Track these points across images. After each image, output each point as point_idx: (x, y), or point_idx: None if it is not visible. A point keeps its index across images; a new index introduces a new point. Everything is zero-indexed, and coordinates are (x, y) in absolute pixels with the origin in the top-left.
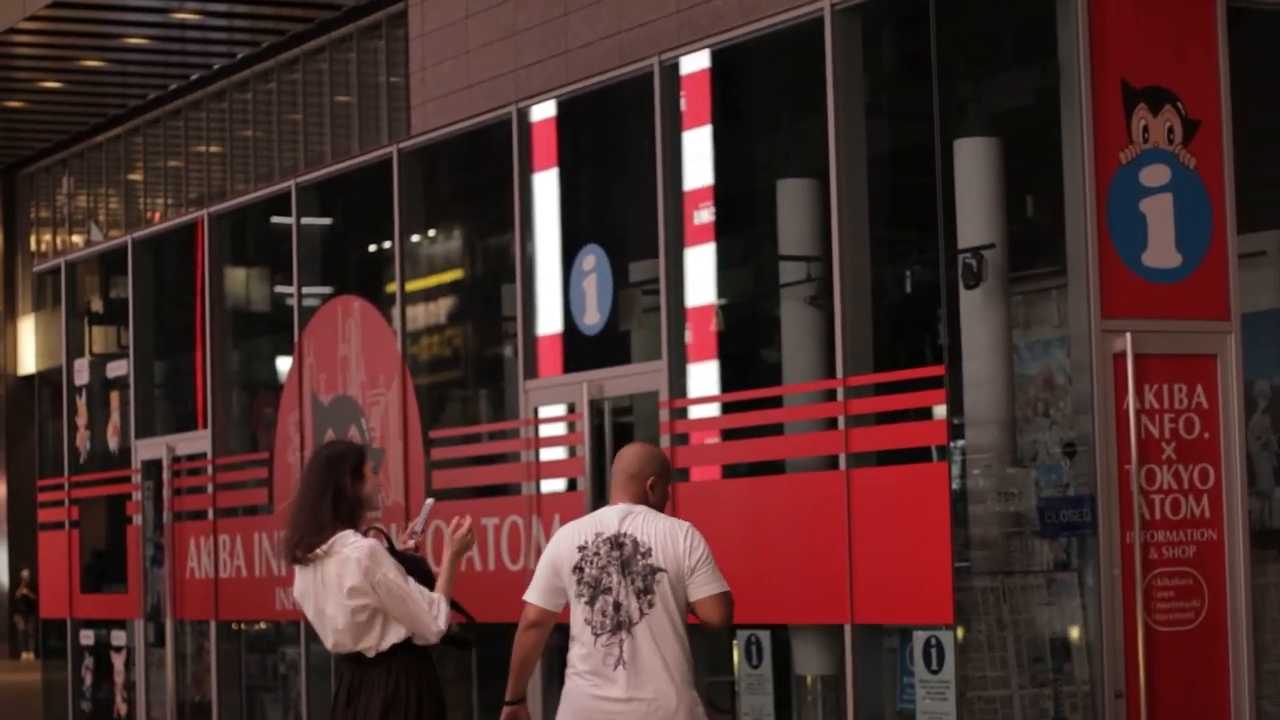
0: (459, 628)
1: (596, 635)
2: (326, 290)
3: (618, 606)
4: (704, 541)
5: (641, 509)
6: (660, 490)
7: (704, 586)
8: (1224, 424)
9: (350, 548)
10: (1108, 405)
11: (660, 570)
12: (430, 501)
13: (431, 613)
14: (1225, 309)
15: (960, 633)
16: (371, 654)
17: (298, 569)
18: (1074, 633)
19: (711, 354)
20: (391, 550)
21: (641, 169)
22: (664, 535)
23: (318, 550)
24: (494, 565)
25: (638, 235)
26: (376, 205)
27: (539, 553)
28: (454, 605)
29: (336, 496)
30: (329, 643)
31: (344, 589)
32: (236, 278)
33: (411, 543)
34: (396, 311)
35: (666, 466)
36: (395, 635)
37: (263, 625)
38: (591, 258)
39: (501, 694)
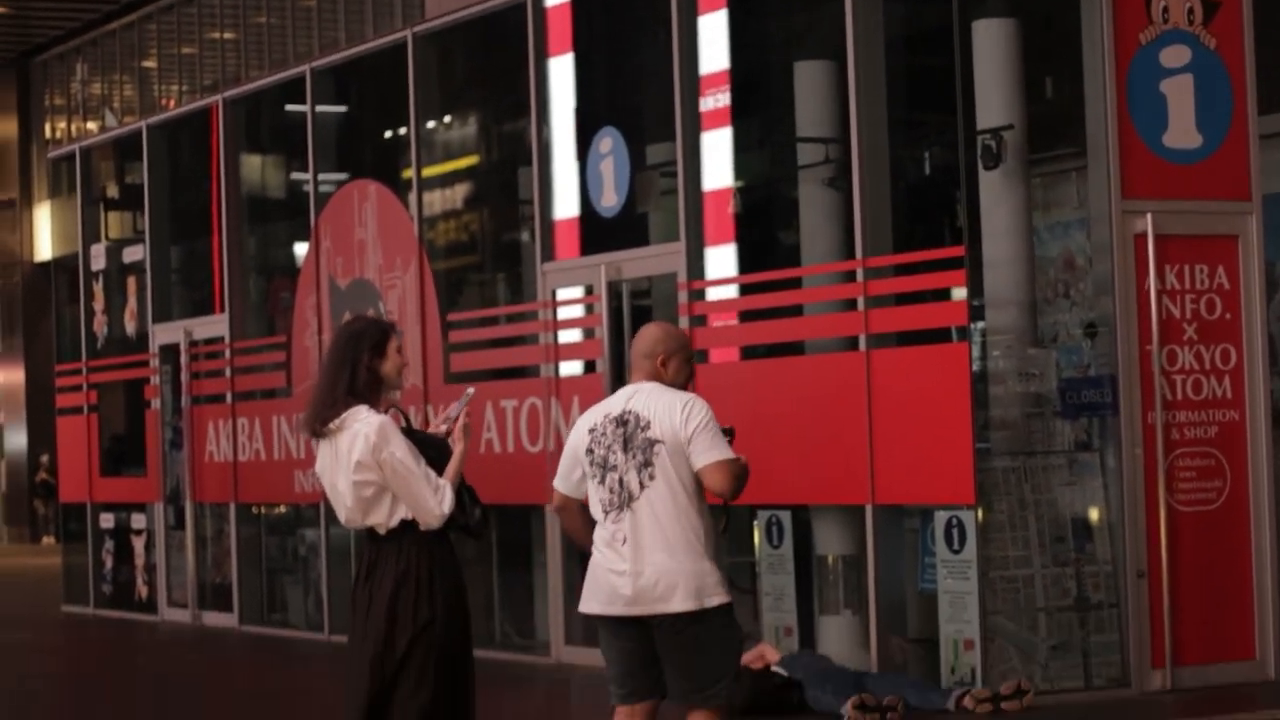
0: (480, 514)
1: (606, 513)
2: (342, 176)
3: (621, 483)
4: (705, 411)
5: (649, 386)
6: (674, 367)
7: (703, 455)
8: (1245, 305)
9: (361, 423)
10: (1128, 286)
11: (658, 442)
12: (470, 391)
13: (436, 497)
14: (1246, 189)
15: (981, 513)
16: (383, 530)
17: (319, 444)
18: (1095, 513)
19: (729, 236)
20: (408, 431)
21: (657, 52)
22: (664, 408)
23: (331, 424)
24: (513, 447)
25: (654, 118)
26: (391, 90)
27: (558, 435)
28: (469, 493)
29: (354, 372)
30: (341, 518)
31: (352, 464)
32: (252, 163)
33: (444, 428)
34: (413, 196)
35: (682, 344)
36: (405, 512)
37: (282, 509)
38: (608, 140)
39: (523, 575)
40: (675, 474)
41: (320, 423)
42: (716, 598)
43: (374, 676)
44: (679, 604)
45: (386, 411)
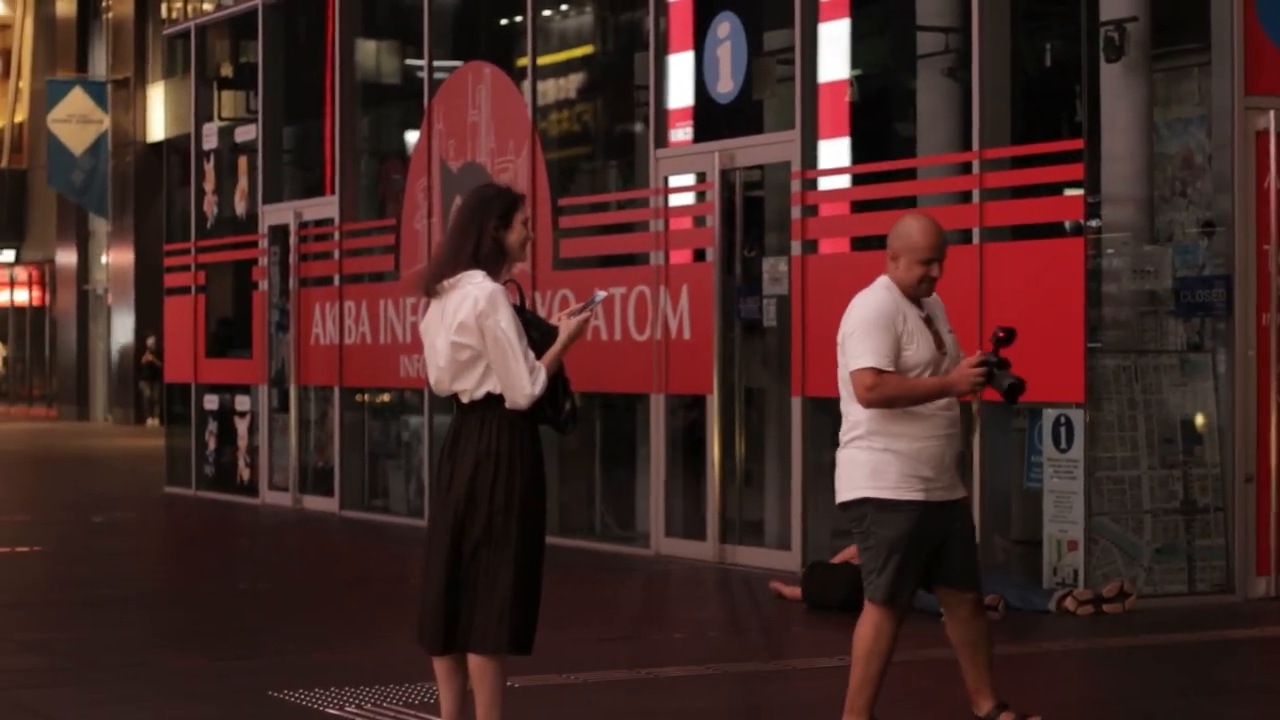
0: (570, 408)
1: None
2: (457, 64)
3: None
4: (855, 317)
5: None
6: (899, 266)
7: (844, 364)
8: None
9: (474, 285)
10: (1248, 184)
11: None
12: (601, 294)
13: (530, 377)
14: None
15: (1089, 412)
16: (466, 399)
17: (432, 303)
18: (1204, 415)
19: (844, 126)
20: (519, 309)
21: None
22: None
23: (445, 282)
24: (620, 336)
25: (773, 3)
26: None
27: (665, 324)
28: (563, 386)
29: (480, 237)
30: (431, 378)
31: (454, 323)
32: (366, 47)
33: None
34: (527, 80)
35: (910, 242)
36: (493, 385)
37: (386, 397)
38: (726, 25)
39: (625, 466)
40: (843, 369)
41: (435, 280)
42: None
43: (452, 553)
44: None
45: (506, 284)
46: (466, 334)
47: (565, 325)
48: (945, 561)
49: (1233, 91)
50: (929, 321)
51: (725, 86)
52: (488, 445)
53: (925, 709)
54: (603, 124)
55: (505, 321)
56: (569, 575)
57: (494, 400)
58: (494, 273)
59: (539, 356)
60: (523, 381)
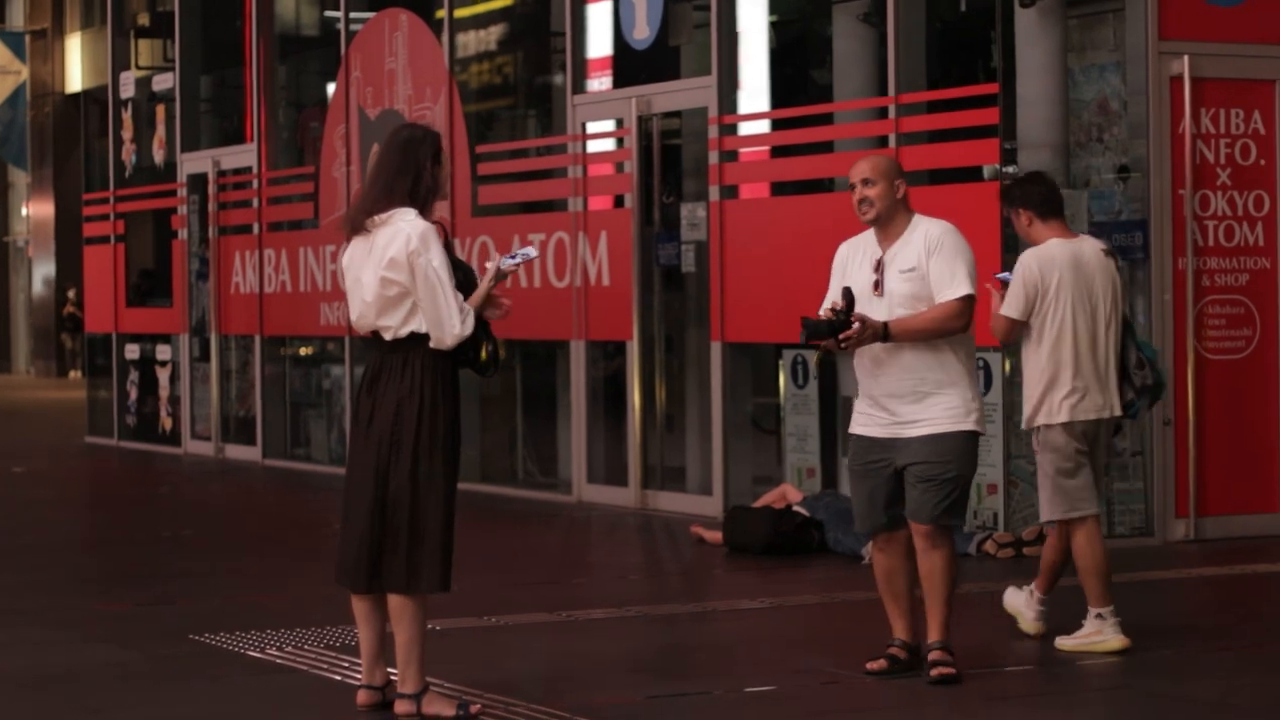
0: (492, 350)
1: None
2: (373, 14)
3: None
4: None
5: None
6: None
7: None
8: None
9: (406, 223)
10: (1163, 129)
11: None
12: (533, 252)
13: (460, 317)
14: None
15: (1007, 356)
16: (389, 335)
17: (355, 240)
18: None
19: (762, 71)
20: (448, 249)
21: None
22: None
23: (376, 218)
24: (539, 283)
25: None
26: None
27: (584, 270)
28: (484, 329)
29: (416, 177)
30: (354, 314)
31: (385, 259)
32: None
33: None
34: (445, 26)
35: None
36: (417, 325)
37: (308, 349)
38: None
39: (547, 413)
40: None
41: (365, 216)
42: None
43: (375, 492)
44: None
45: (435, 222)
46: (397, 270)
47: (491, 269)
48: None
49: (1147, 37)
50: (879, 266)
51: (642, 33)
52: (410, 384)
53: (834, 650)
54: (521, 72)
55: (437, 260)
56: (492, 522)
57: (417, 339)
58: (426, 211)
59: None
60: (452, 320)
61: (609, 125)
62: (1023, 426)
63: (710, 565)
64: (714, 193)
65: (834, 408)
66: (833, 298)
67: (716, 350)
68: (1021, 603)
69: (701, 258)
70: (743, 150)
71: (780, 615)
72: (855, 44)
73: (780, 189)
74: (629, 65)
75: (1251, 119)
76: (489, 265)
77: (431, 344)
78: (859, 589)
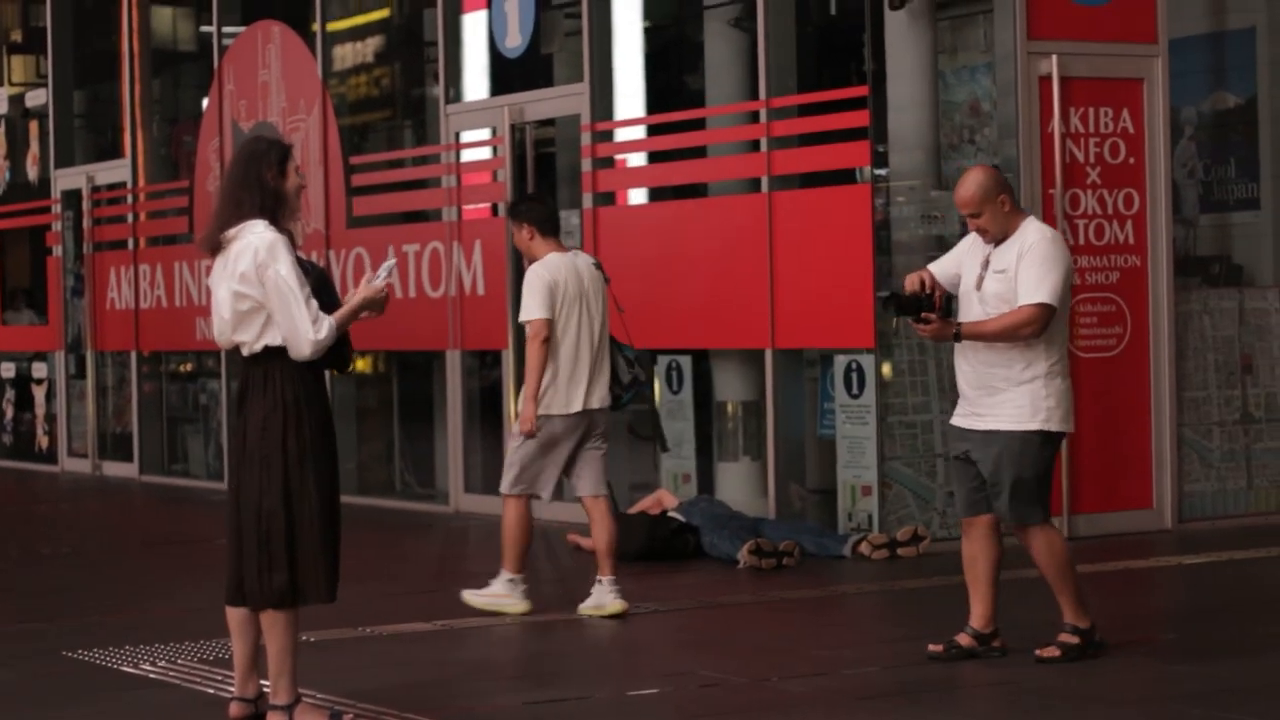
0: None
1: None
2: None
3: None
4: None
5: None
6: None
7: None
8: (1149, 149)
9: (255, 235)
10: (1032, 129)
11: None
12: (392, 263)
13: (314, 326)
14: (1153, 32)
15: (881, 358)
16: (247, 350)
17: (216, 258)
18: None
19: (635, 77)
20: (297, 257)
21: None
22: None
23: (229, 233)
24: (415, 293)
25: None
26: None
27: (459, 280)
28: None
29: (260, 189)
30: (215, 330)
31: (236, 273)
32: (160, 11)
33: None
34: (318, 37)
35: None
36: (273, 338)
37: (188, 365)
38: None
39: (423, 424)
40: None
41: (218, 232)
42: None
43: (249, 506)
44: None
45: (284, 232)
46: (247, 284)
47: (364, 288)
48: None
49: (1015, 38)
50: (986, 263)
51: (514, 41)
52: (274, 399)
53: (711, 653)
54: (397, 83)
55: (286, 269)
56: (369, 533)
57: (275, 352)
58: (275, 222)
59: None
60: (305, 328)
61: (483, 134)
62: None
63: (587, 572)
64: (588, 200)
65: (709, 413)
66: (943, 267)
67: None
68: (598, 594)
69: None
70: (616, 157)
71: (657, 620)
72: (727, 48)
73: (656, 195)
74: (502, 74)
75: (1120, 117)
76: (362, 283)
77: (291, 354)
78: (735, 592)
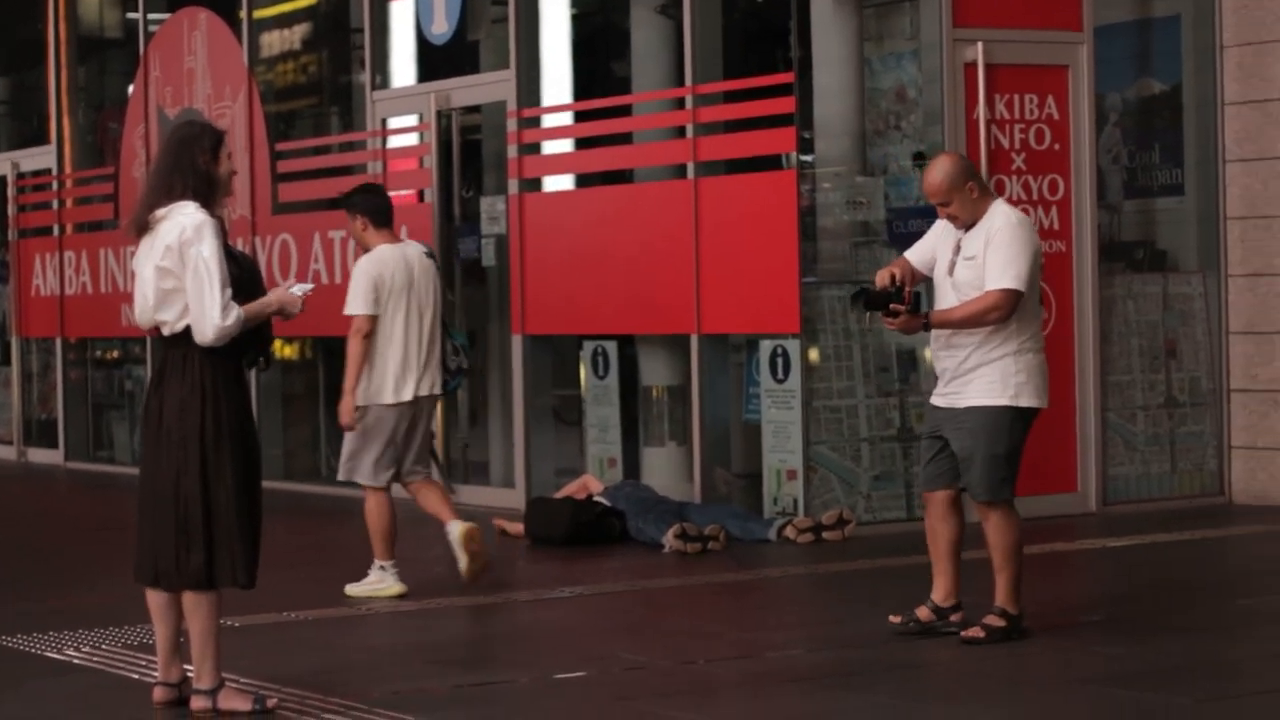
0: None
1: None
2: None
3: None
4: None
5: None
6: None
7: None
8: (1074, 136)
9: (185, 215)
10: (958, 115)
11: None
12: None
13: (222, 312)
14: (1078, 19)
15: (806, 343)
16: (168, 330)
17: (141, 239)
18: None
19: (562, 64)
20: (224, 244)
21: None
22: None
23: (158, 213)
24: (340, 279)
25: None
26: None
27: None
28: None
29: (193, 172)
30: (136, 310)
31: (161, 249)
32: None
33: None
34: (244, 23)
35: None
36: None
37: (115, 353)
38: None
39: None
40: None
41: (147, 212)
42: None
43: (166, 488)
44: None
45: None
46: (170, 258)
47: (281, 291)
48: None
49: (941, 25)
50: (957, 248)
51: (440, 28)
52: (192, 381)
53: (637, 637)
54: (324, 70)
55: (209, 252)
56: (295, 519)
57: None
58: (210, 205)
59: (238, 290)
60: (214, 313)
61: (410, 121)
62: (359, 402)
63: (513, 557)
64: (513, 186)
65: (634, 398)
66: (919, 253)
67: (517, 343)
68: (373, 581)
69: (502, 251)
70: (542, 143)
71: (584, 604)
72: (653, 35)
73: (582, 181)
74: (429, 60)
75: (1045, 104)
76: (281, 287)
77: (195, 336)
78: (660, 576)
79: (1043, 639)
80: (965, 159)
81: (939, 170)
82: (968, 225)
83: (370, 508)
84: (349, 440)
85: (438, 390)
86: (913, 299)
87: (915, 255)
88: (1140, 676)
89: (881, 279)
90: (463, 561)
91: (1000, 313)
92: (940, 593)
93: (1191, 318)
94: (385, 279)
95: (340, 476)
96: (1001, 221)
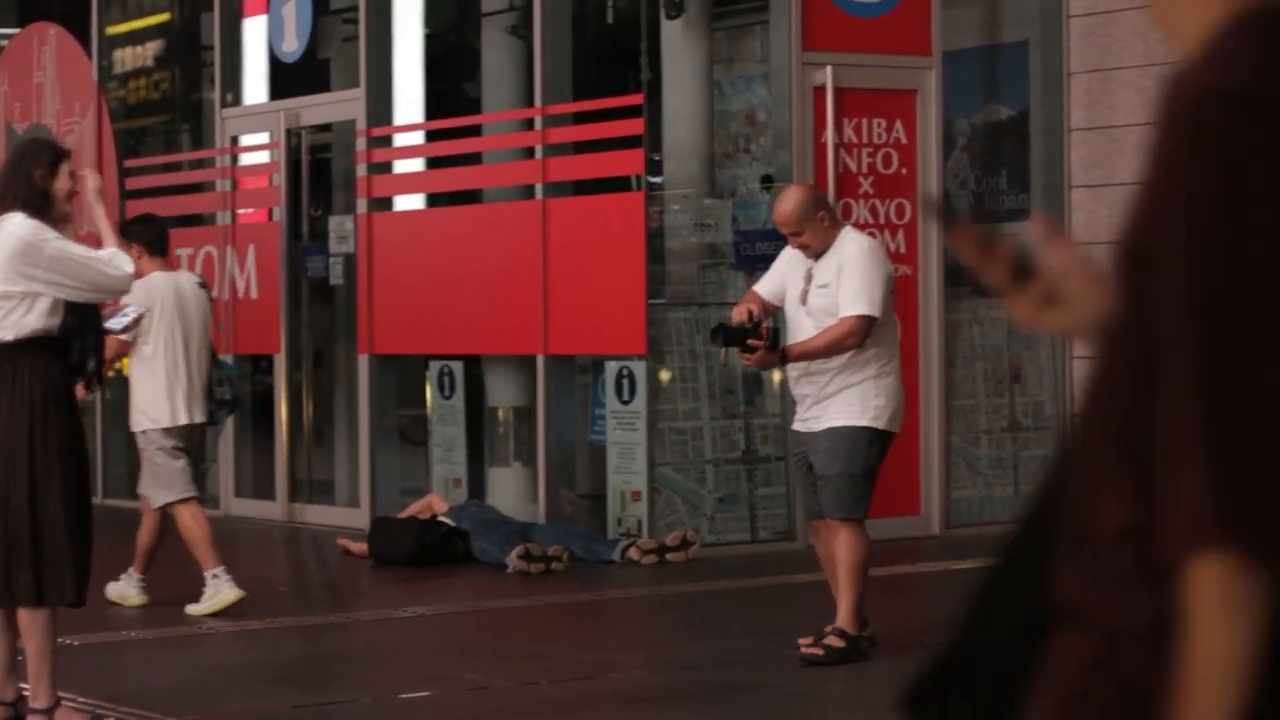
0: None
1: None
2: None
3: None
4: None
5: None
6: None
7: None
8: (922, 160)
9: (12, 224)
10: (806, 139)
11: None
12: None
13: (114, 263)
14: (927, 44)
15: (652, 365)
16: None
17: None
18: None
19: (413, 83)
20: None
21: None
22: None
23: None
24: None
25: None
26: None
27: (232, 284)
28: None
29: (28, 185)
30: None
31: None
32: None
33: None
34: (93, 39)
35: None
36: (18, 329)
37: None
38: None
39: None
40: None
41: None
42: None
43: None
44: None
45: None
46: (6, 274)
47: (95, 213)
48: None
49: (790, 48)
50: (809, 277)
51: (291, 45)
52: (21, 396)
53: (480, 657)
54: (175, 87)
55: (61, 242)
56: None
57: (24, 348)
58: (45, 219)
59: (74, 333)
60: (111, 270)
61: (260, 138)
62: (133, 429)
63: (356, 577)
64: (362, 205)
65: (480, 419)
66: (768, 285)
67: (364, 363)
68: (124, 586)
69: (350, 270)
70: (393, 162)
71: (427, 624)
72: (504, 56)
73: (432, 201)
74: (280, 78)
75: (893, 128)
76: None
77: (107, 297)
78: (504, 597)
79: (884, 663)
80: (814, 189)
81: (790, 201)
82: (819, 254)
83: (185, 522)
84: (143, 473)
85: (200, 419)
86: (770, 334)
87: (765, 288)
88: None
89: (739, 314)
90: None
91: (856, 339)
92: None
93: (1036, 342)
94: (153, 306)
95: (155, 506)
96: (854, 249)
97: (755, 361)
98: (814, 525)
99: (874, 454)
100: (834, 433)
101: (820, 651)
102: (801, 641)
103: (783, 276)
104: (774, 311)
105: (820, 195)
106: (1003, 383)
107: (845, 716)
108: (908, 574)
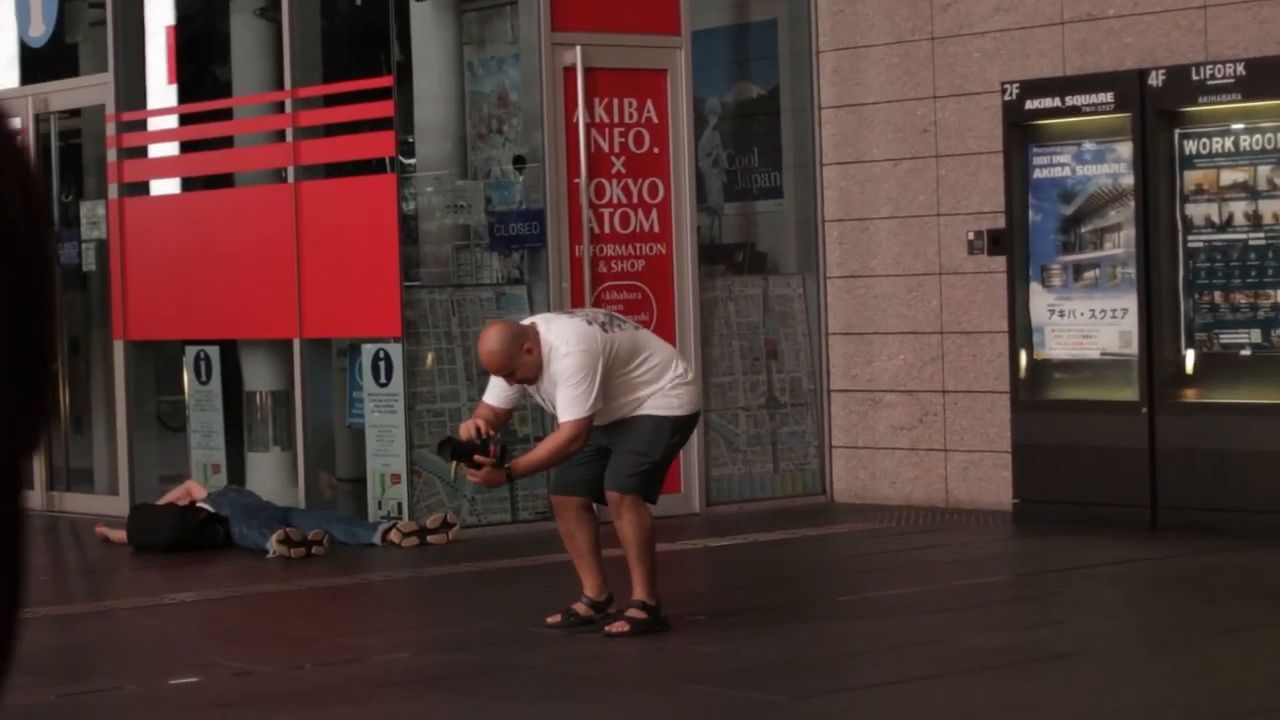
0: None
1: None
2: None
3: None
4: None
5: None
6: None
7: None
8: (673, 139)
9: None
10: (557, 119)
11: None
12: None
13: None
14: (676, 23)
15: (429, 352)
16: None
17: None
18: None
19: (163, 67)
20: None
21: None
22: None
23: None
24: None
25: None
26: None
27: None
28: None
29: None
30: None
31: None
32: None
33: None
34: None
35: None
36: None
37: None
38: None
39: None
40: None
41: None
42: None
43: None
44: None
45: None
46: None
47: None
48: None
49: (540, 28)
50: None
51: (37, 30)
52: None
53: (242, 643)
54: None
55: None
56: None
57: None
58: None
59: None
60: None
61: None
62: None
63: (116, 565)
64: (114, 190)
65: (238, 404)
66: (496, 394)
67: (120, 349)
68: None
69: (103, 256)
70: (142, 147)
71: (188, 611)
72: (253, 39)
73: (186, 185)
74: (30, 63)
75: (645, 108)
76: None
77: None
78: (265, 582)
79: (647, 640)
80: (510, 324)
81: (494, 345)
82: (535, 379)
83: None
84: None
85: None
86: (498, 451)
87: (494, 398)
88: (739, 674)
89: (466, 430)
90: None
91: (579, 442)
92: (594, 589)
93: (792, 319)
94: None
95: None
96: (559, 365)
97: (481, 478)
98: (556, 502)
99: (674, 443)
100: (638, 419)
101: (625, 626)
102: (550, 620)
103: (500, 384)
104: (506, 417)
105: (520, 327)
106: (759, 360)
107: (593, 694)
108: (669, 551)
